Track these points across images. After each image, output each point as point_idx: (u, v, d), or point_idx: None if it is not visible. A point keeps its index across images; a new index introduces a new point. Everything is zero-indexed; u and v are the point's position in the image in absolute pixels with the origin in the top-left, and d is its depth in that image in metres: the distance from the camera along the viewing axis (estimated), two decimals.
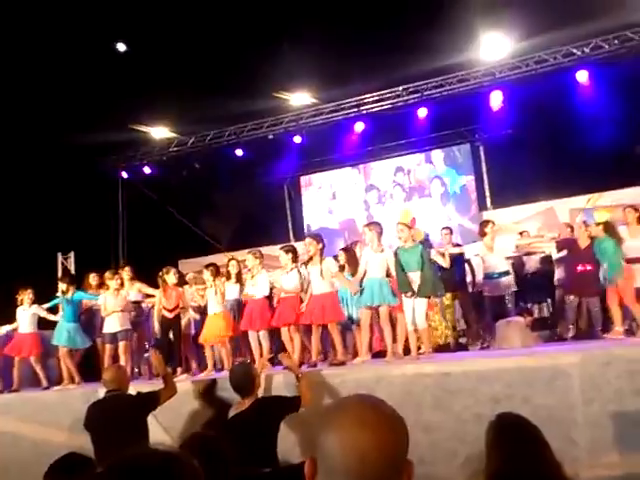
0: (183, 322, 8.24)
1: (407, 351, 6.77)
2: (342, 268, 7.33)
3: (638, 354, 4.98)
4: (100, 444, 4.71)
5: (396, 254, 6.81)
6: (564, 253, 7.84)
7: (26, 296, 8.45)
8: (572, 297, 7.53)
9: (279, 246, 7.91)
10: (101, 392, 5.59)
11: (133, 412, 4.90)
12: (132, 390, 5.38)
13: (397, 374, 5.60)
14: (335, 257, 7.61)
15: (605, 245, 7.17)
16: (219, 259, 11.37)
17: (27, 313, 8.46)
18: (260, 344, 7.47)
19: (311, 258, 7.03)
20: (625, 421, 4.62)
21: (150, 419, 5.12)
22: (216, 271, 7.98)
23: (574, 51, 10.28)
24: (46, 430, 6.16)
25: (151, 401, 5.09)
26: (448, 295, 8.19)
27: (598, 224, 7.56)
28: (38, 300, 8.61)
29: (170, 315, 7.79)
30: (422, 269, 6.60)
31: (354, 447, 1.17)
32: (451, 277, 8.18)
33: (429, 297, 6.86)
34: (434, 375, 5.42)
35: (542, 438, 2.52)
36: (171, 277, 7.88)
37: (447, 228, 9.13)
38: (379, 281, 6.71)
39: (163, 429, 5.69)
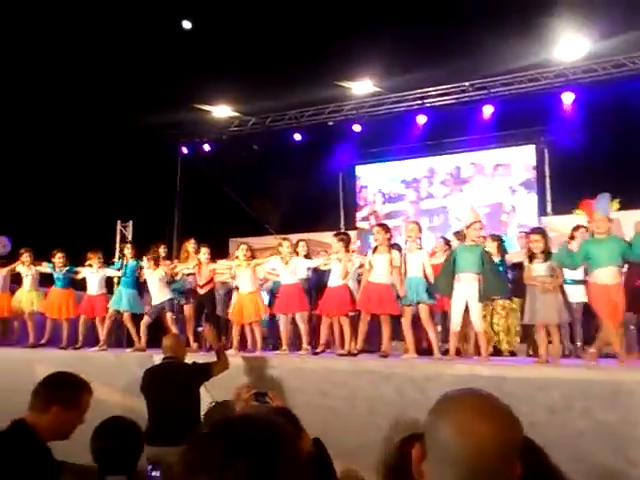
0: None
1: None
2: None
3: None
4: (154, 407, 4.92)
5: (453, 252, 6.65)
6: None
7: (96, 259, 8.62)
8: None
9: (331, 233, 7.91)
10: (156, 357, 5.69)
11: (187, 380, 5.03)
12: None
13: (449, 373, 5.50)
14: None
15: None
16: (269, 241, 11.41)
17: (97, 276, 8.62)
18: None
19: (376, 247, 6.95)
20: None
21: (202, 391, 5.18)
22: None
23: None
24: (102, 389, 6.27)
25: (204, 372, 5.21)
26: (515, 299, 7.74)
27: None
28: None
29: (202, 291, 8.07)
30: (483, 271, 6.37)
31: (472, 438, 1.17)
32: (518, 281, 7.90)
33: (492, 300, 6.65)
34: (489, 378, 5.28)
35: None
36: (202, 254, 8.12)
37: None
38: (417, 280, 6.64)
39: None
